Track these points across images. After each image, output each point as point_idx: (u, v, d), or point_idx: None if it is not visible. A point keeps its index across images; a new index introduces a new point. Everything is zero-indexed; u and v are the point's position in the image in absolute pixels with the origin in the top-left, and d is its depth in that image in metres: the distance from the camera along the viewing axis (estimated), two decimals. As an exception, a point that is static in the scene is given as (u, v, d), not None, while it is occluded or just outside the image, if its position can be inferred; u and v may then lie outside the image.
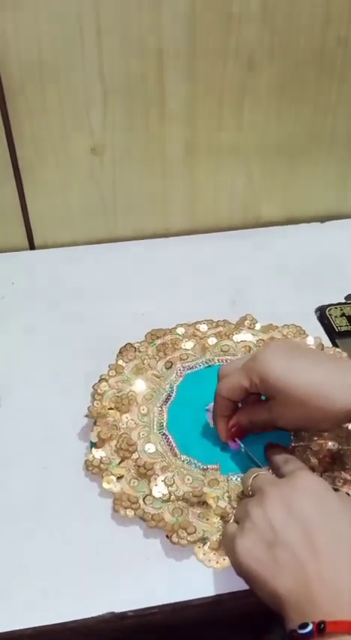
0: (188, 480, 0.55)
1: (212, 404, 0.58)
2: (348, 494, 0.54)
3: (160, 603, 0.49)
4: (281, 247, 0.87)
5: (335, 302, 0.77)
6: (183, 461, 0.57)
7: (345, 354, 0.68)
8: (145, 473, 0.56)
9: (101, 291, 0.79)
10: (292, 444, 0.58)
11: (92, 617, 0.48)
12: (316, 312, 0.76)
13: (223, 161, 0.85)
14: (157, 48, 0.73)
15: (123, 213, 0.87)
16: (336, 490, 0.49)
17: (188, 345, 0.69)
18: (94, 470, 0.57)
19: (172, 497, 0.54)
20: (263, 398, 0.56)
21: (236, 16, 0.73)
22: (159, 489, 0.54)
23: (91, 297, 0.78)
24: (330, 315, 0.75)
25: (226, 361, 0.67)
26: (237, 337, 0.70)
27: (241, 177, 0.87)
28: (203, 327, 0.71)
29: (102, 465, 0.57)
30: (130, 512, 0.53)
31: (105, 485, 0.55)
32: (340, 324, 0.74)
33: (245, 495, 0.50)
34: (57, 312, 0.76)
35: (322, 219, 0.92)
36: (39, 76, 0.73)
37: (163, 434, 0.60)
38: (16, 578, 0.51)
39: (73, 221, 0.86)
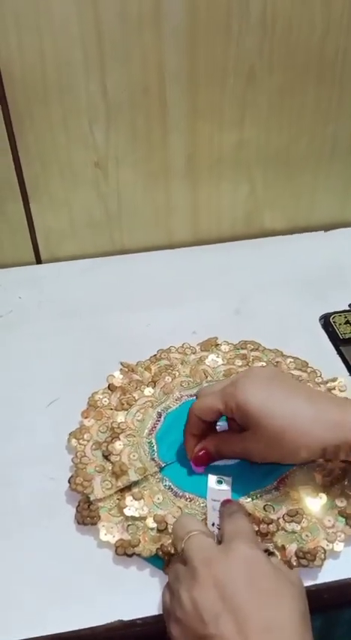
0: (158, 499, 0.55)
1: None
2: None
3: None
4: (285, 256, 0.88)
5: (340, 310, 0.77)
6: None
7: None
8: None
9: (107, 303, 0.80)
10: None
11: (101, 625, 0.48)
12: (320, 320, 0.76)
13: (225, 172, 0.85)
14: (158, 62, 0.74)
15: (127, 226, 0.88)
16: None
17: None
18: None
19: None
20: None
21: (236, 29, 0.74)
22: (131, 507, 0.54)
23: (97, 309, 0.79)
24: (334, 322, 0.75)
25: None
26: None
27: (244, 187, 0.88)
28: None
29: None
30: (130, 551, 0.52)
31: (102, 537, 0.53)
32: (344, 331, 0.74)
33: (177, 551, 0.47)
34: (64, 325, 0.76)
35: (326, 227, 0.93)
36: (43, 93, 0.74)
37: (150, 442, 0.60)
38: (26, 587, 0.51)
39: (79, 235, 0.87)
